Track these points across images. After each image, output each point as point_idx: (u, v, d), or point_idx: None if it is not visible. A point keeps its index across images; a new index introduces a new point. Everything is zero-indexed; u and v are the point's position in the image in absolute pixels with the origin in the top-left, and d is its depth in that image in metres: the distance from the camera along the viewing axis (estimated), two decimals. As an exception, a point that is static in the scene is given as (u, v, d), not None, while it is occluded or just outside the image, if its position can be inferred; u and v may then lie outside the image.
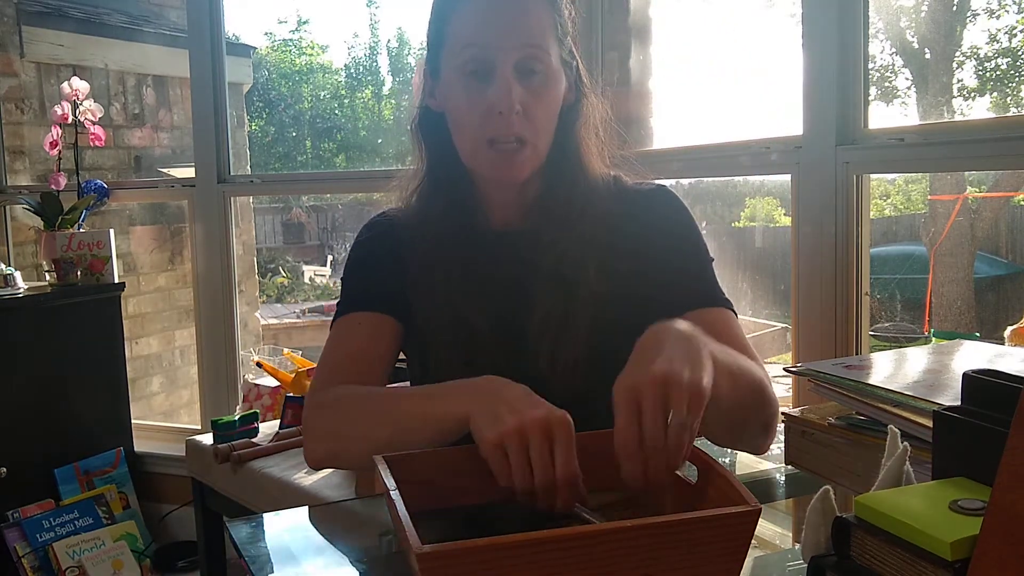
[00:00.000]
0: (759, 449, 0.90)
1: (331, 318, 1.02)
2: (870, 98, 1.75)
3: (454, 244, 0.99)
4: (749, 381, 0.82)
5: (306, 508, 0.86)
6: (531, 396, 0.74)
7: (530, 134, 0.94)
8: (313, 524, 0.81)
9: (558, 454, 0.69)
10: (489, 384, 0.77)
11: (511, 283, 0.99)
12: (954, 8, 5.24)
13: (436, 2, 0.99)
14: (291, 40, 15.19)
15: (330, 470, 1.94)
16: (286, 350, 2.57)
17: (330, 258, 11.32)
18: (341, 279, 1.05)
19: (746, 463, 0.98)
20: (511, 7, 0.94)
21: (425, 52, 1.02)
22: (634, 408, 0.66)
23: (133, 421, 2.72)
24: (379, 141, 14.09)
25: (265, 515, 0.83)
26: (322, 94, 14.91)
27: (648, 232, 0.99)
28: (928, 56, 5.19)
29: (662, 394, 0.66)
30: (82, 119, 2.55)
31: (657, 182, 1.07)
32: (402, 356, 1.08)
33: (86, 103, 2.56)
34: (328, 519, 0.83)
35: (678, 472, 0.74)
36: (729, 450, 1.02)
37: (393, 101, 14.83)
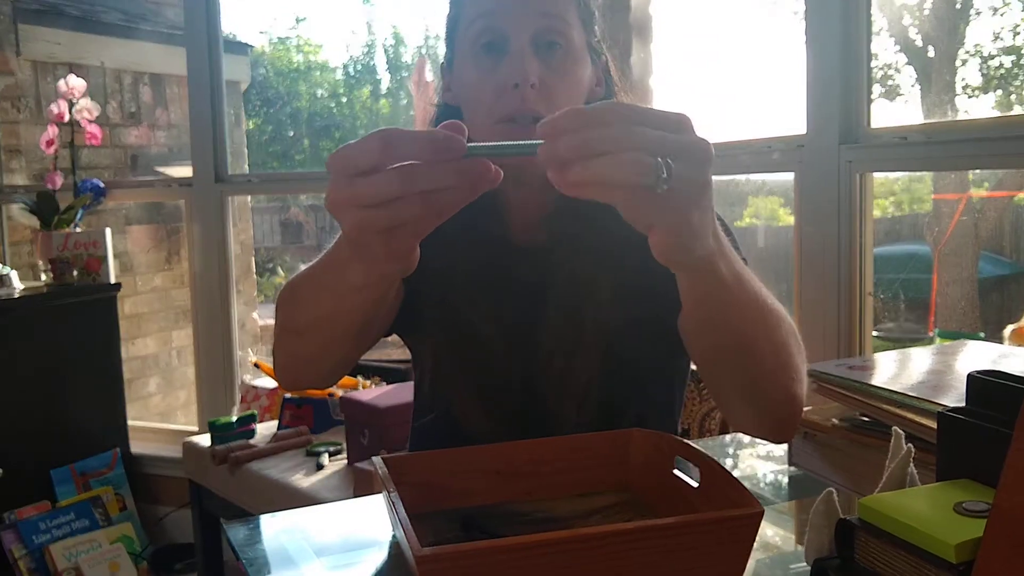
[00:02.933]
0: (782, 428, 0.81)
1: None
2: (873, 96, 1.74)
3: (470, 249, 0.94)
4: (760, 294, 0.72)
5: (304, 510, 0.85)
6: None
7: (548, 112, 0.85)
8: (311, 526, 0.81)
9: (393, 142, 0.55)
10: None
11: (526, 293, 0.94)
12: (957, 6, 5.25)
13: None
14: (288, 38, 15.21)
15: (331, 470, 1.94)
16: (284, 350, 2.56)
17: (329, 258, 11.30)
18: None
19: (748, 464, 0.97)
20: None
21: (443, 51, 0.98)
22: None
23: (130, 422, 2.71)
24: (378, 140, 14.08)
25: (262, 517, 0.83)
26: (320, 92, 14.93)
27: None
28: (931, 54, 5.19)
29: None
30: (78, 118, 2.55)
31: None
32: (405, 357, 1.06)
33: (82, 101, 2.56)
34: (326, 521, 0.83)
35: (679, 473, 0.74)
36: (731, 451, 1.01)
37: (391, 99, 14.85)
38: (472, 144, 0.57)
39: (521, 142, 0.58)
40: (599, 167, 0.53)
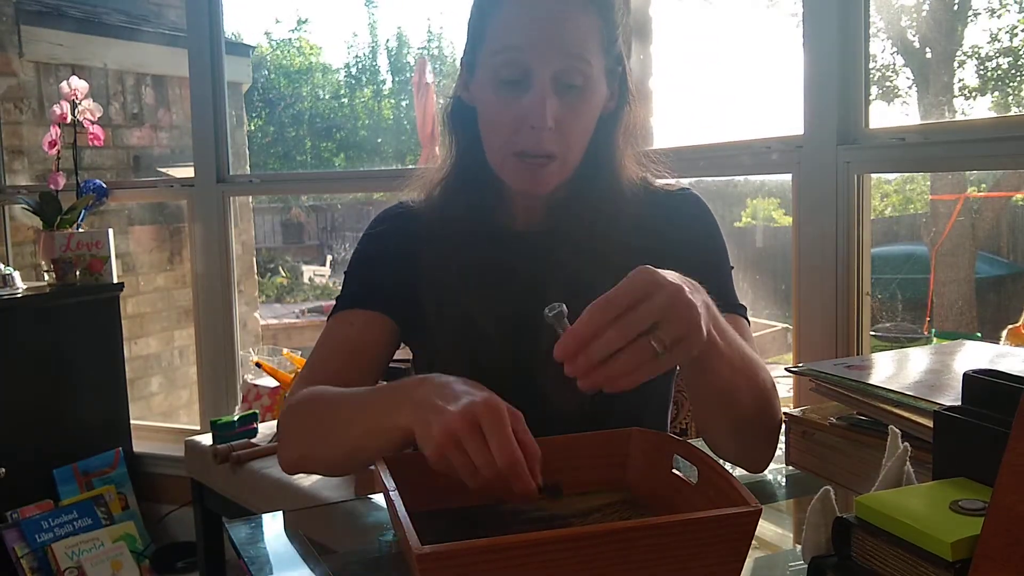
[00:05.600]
0: (759, 461, 0.88)
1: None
2: (871, 97, 1.75)
3: (472, 243, 0.96)
4: (749, 363, 0.80)
5: (305, 509, 0.86)
6: (458, 387, 0.72)
7: (560, 150, 0.91)
8: (312, 525, 0.81)
9: (492, 443, 0.66)
10: (423, 387, 0.74)
11: (528, 285, 0.95)
12: (955, 7, 5.25)
13: None
14: (290, 40, 15.21)
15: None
16: (285, 350, 2.57)
17: (329, 258, 11.34)
18: (345, 271, 1.03)
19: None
20: (554, 13, 0.88)
21: (465, 43, 0.99)
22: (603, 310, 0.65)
23: (132, 421, 2.71)
24: (379, 141, 14.11)
25: (264, 516, 0.83)
26: (321, 94, 14.94)
27: (670, 236, 0.96)
28: (929, 55, 5.19)
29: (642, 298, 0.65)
30: (81, 119, 2.55)
31: (684, 184, 1.04)
32: (405, 356, 1.07)
33: (85, 103, 2.56)
34: (327, 520, 0.83)
35: (677, 472, 0.74)
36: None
37: (392, 100, 14.84)
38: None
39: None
40: (609, 370, 0.65)
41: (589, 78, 0.90)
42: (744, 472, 0.89)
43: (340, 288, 1.03)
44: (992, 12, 5.27)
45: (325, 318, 1.01)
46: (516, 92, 0.90)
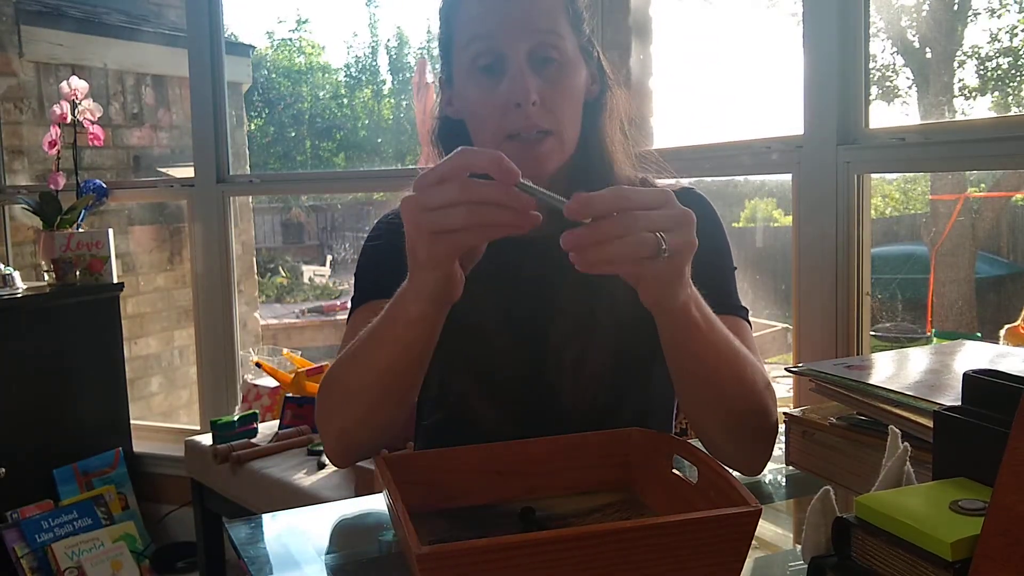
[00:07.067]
0: (754, 464, 0.87)
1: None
2: (871, 97, 1.75)
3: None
4: (736, 355, 0.80)
5: (305, 509, 0.86)
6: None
7: (552, 124, 0.90)
8: (312, 525, 0.81)
9: (443, 171, 0.66)
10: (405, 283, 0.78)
11: (534, 287, 0.95)
12: (955, 7, 5.25)
13: (442, 7, 0.97)
14: (290, 39, 15.21)
15: (332, 469, 1.94)
16: (285, 350, 2.57)
17: (329, 258, 11.34)
18: (354, 276, 1.02)
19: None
20: None
21: (439, 63, 0.99)
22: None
23: (132, 421, 2.72)
24: (379, 141, 14.11)
25: (264, 516, 0.83)
26: (321, 93, 14.93)
27: None
28: (929, 55, 5.20)
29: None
30: (81, 119, 2.55)
31: (686, 183, 1.03)
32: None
33: (85, 103, 2.56)
34: (327, 520, 0.83)
35: (678, 472, 0.74)
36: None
37: (393, 100, 14.84)
38: (522, 181, 0.66)
39: (556, 195, 0.67)
40: (612, 249, 0.65)
41: (564, 52, 0.91)
42: (742, 472, 0.88)
43: (337, 290, 1.02)
44: (992, 12, 5.28)
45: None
46: (495, 78, 0.90)
